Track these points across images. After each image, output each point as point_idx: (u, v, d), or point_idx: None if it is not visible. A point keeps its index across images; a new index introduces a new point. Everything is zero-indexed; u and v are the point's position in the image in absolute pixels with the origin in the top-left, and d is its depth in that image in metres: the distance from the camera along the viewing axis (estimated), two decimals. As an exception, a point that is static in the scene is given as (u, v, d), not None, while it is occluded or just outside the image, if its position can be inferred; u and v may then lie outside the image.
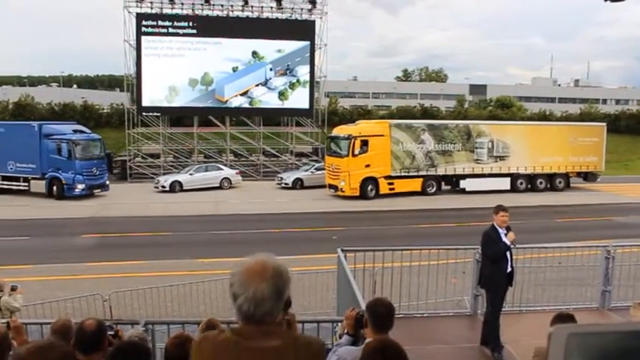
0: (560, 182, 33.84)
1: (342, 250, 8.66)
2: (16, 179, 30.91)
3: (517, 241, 8.03)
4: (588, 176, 34.79)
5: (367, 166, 29.53)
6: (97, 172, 30.41)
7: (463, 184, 31.86)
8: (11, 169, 30.86)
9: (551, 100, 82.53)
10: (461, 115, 54.68)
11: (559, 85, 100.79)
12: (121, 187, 33.53)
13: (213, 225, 23.75)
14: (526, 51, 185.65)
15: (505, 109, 61.15)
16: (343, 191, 29.54)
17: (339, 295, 8.88)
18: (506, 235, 7.76)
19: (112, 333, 4.19)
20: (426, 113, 52.83)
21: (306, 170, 35.52)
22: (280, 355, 2.22)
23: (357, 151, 29.26)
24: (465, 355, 8.05)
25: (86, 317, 10.62)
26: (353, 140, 29.28)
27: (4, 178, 31.20)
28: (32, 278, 14.94)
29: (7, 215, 25.54)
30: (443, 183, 32.04)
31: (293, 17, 39.81)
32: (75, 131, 30.89)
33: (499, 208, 7.85)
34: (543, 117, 56.30)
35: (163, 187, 32.47)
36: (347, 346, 4.07)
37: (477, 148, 31.94)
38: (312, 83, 39.95)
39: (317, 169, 34.90)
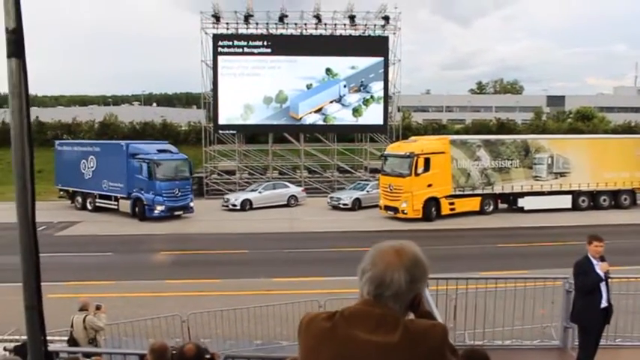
0: (625, 199, 31.65)
1: None
2: (109, 198, 30.97)
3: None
4: None
5: (429, 185, 27.90)
6: (179, 194, 29.26)
7: (521, 202, 30.14)
8: (105, 187, 30.94)
9: (636, 110, 78.18)
10: (539, 128, 52.99)
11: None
12: (197, 203, 33.41)
13: (289, 243, 23.85)
14: (606, 59, 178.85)
15: (586, 121, 58.68)
16: (405, 213, 27.76)
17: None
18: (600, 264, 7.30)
19: (208, 357, 4.31)
20: (503, 127, 51.47)
21: (362, 189, 33.75)
22: (389, 355, 1.91)
23: (420, 170, 27.58)
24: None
25: (166, 337, 10.80)
26: (416, 158, 27.54)
27: (101, 197, 31.47)
28: (115, 294, 15.47)
29: (93, 231, 26.67)
30: (499, 201, 30.37)
31: (366, 34, 39.81)
32: (160, 151, 30.13)
33: (593, 238, 7.39)
34: (628, 128, 53.52)
35: (234, 205, 32.39)
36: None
37: (535, 164, 30.24)
38: (386, 99, 39.72)
39: (372, 187, 33.26)
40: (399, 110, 46.31)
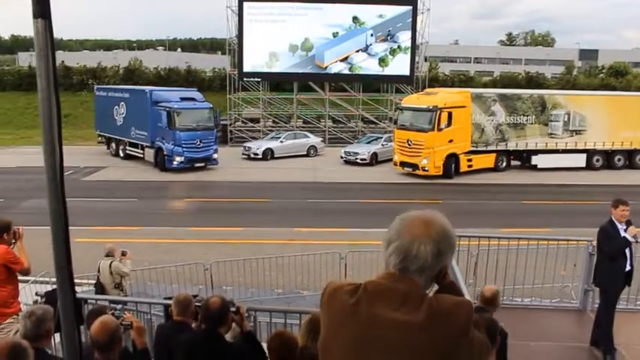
0: None
1: None
2: (137, 146, 30.38)
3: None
4: None
5: (450, 141, 26.60)
6: (201, 145, 27.91)
7: (535, 160, 29.10)
8: (133, 135, 30.28)
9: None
10: (569, 83, 51.78)
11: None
12: (220, 150, 31.47)
13: (312, 193, 24.00)
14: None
15: (619, 77, 56.96)
16: (426, 170, 26.39)
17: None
18: (625, 230, 7.17)
19: (234, 310, 4.39)
20: (532, 81, 50.39)
21: (377, 142, 32.52)
22: (413, 335, 1.87)
23: (442, 125, 26.16)
24: (574, 356, 7.59)
25: (189, 283, 11.02)
26: (439, 112, 26.05)
27: (130, 144, 30.94)
28: (140, 240, 15.79)
29: (118, 177, 27.16)
30: (512, 158, 29.56)
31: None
32: (183, 99, 28.58)
33: (618, 202, 7.24)
34: (663, 86, 52.00)
35: (255, 154, 32.00)
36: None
37: (551, 121, 29.12)
38: (414, 49, 38.99)
39: (386, 140, 32.08)
40: (425, 60, 45.55)
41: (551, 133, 29.19)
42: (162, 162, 27.93)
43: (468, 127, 27.22)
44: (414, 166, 27.00)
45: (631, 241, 7.20)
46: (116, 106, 31.55)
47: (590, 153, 29.73)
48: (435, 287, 2.09)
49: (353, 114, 41.75)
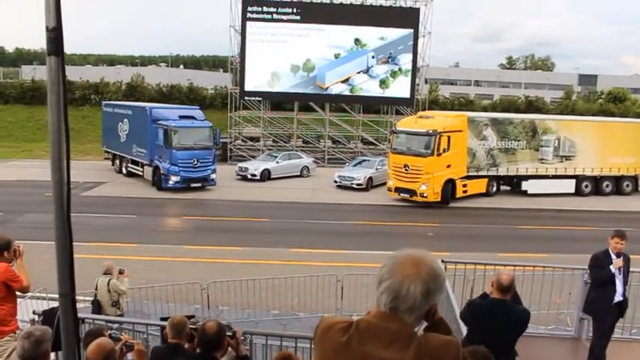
0: (627, 185, 30.50)
1: (443, 262, 8.24)
2: (137, 163, 29.92)
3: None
4: None
5: (448, 166, 25.90)
6: (198, 164, 27.20)
7: (525, 185, 28.64)
8: (134, 152, 29.86)
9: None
10: (568, 108, 52.07)
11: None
12: (220, 168, 30.94)
13: (310, 213, 23.98)
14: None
15: (618, 102, 57.36)
16: (425, 196, 25.44)
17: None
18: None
19: (229, 334, 4.44)
20: (531, 105, 50.66)
21: (370, 166, 31.13)
22: None
23: (442, 150, 25.36)
24: (568, 385, 7.62)
25: (186, 302, 11.00)
26: (439, 137, 25.21)
27: (132, 162, 30.52)
28: (136, 257, 15.81)
29: (116, 193, 27.13)
30: (501, 183, 28.95)
31: (397, 4, 39.21)
32: (182, 117, 28.01)
33: (615, 234, 7.36)
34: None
35: (253, 175, 31.04)
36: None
37: (542, 146, 28.77)
38: (414, 72, 39.27)
39: (380, 164, 30.99)
40: (426, 82, 45.85)
41: (542, 159, 28.87)
42: (159, 181, 27.43)
43: (464, 152, 26.81)
44: (412, 192, 25.93)
45: (613, 272, 7.29)
46: (120, 123, 31.36)
47: (579, 179, 29.51)
48: (424, 325, 2.15)
49: (353, 135, 41.89)
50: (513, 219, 24.01)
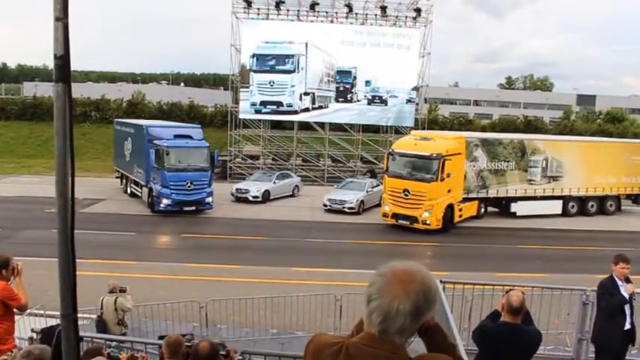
0: (611, 205, 30.24)
1: (441, 282, 8.22)
2: (137, 184, 28.81)
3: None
4: (639, 199, 31.34)
5: (449, 191, 24.52)
6: (192, 187, 25.67)
7: (514, 207, 27.84)
8: (135, 173, 28.85)
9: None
10: (567, 128, 52.23)
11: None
12: (218, 187, 30.05)
13: (308, 232, 23.98)
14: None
15: (616, 123, 57.66)
16: (428, 224, 23.83)
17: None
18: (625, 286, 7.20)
19: (223, 353, 4.43)
20: (530, 125, 50.84)
21: (362, 189, 29.31)
22: None
23: (445, 175, 23.76)
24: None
25: (184, 321, 10.98)
26: (443, 160, 23.68)
27: (134, 183, 29.40)
28: (137, 275, 15.81)
29: (114, 210, 27.01)
30: (488, 205, 27.93)
31: (397, 25, 39.51)
32: (177, 136, 26.54)
33: (619, 259, 7.26)
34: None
35: (255, 197, 29.67)
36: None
37: (530, 167, 28.11)
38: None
39: (373, 186, 29.96)
40: (425, 102, 46.06)
41: (530, 180, 28.22)
42: (152, 203, 26.17)
43: (462, 175, 25.68)
44: (412, 219, 24.15)
45: (627, 298, 7.18)
46: (125, 141, 30.47)
47: (566, 199, 29.06)
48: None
49: (352, 154, 42.00)
50: (511, 238, 24.08)
